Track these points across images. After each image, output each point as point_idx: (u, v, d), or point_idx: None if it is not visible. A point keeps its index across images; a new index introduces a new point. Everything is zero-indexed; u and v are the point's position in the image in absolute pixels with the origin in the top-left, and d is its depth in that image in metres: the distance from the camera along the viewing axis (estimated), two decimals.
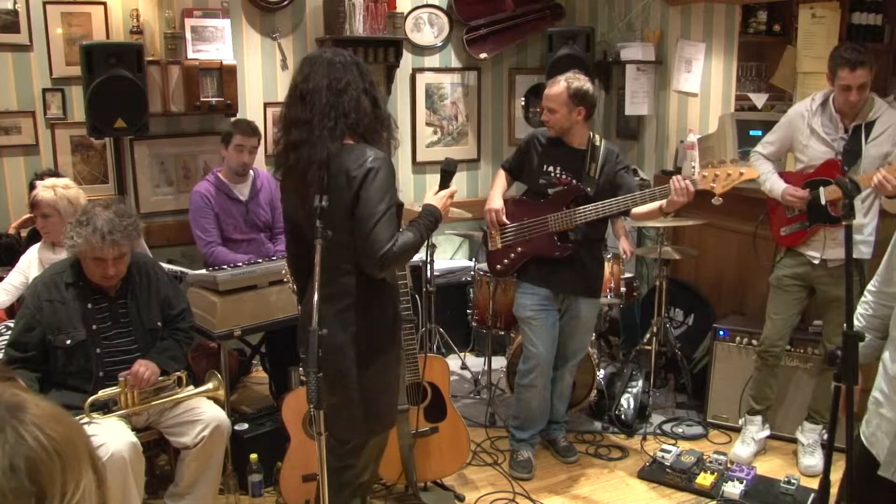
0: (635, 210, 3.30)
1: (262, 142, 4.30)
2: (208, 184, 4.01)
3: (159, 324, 3.02)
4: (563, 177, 3.40)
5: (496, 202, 3.48)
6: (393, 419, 2.54)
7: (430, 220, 2.35)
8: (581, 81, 3.32)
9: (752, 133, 4.27)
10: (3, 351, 3.02)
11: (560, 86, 3.30)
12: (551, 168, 3.42)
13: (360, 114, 2.25)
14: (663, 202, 3.17)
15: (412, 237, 2.24)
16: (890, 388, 1.94)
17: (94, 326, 2.85)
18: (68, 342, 2.79)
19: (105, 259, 2.77)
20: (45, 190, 3.21)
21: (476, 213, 4.48)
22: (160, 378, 2.91)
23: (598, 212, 3.30)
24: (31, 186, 3.48)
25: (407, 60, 4.91)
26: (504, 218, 3.45)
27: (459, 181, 5.26)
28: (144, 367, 2.83)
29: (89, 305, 2.86)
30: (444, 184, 2.47)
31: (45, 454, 0.92)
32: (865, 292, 2.14)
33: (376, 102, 2.31)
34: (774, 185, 3.46)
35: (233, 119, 4.10)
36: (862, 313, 2.14)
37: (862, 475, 1.96)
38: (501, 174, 3.60)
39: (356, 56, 2.36)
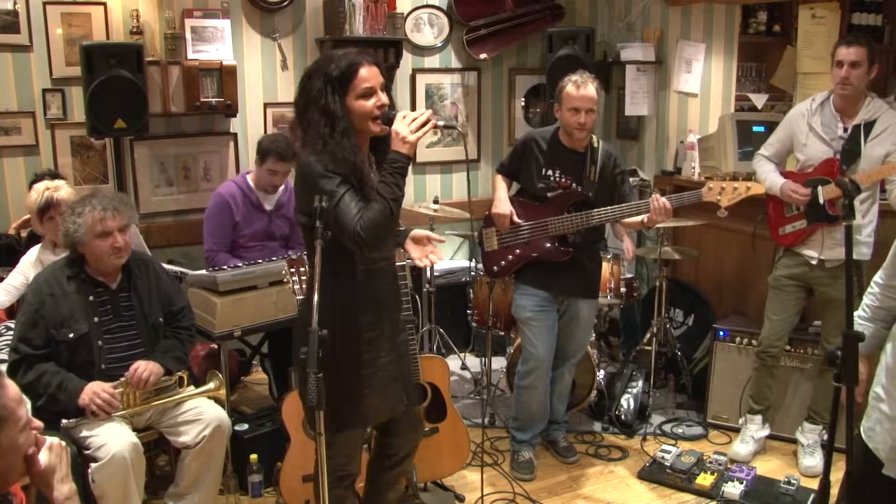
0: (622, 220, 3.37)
1: None
2: (235, 187, 3.90)
3: (161, 319, 3.02)
4: (563, 180, 3.40)
5: (506, 206, 3.43)
6: (340, 423, 2.35)
7: (393, 169, 2.21)
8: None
9: (754, 129, 4.27)
10: (2, 351, 3.03)
11: (592, 86, 3.28)
12: (550, 171, 3.41)
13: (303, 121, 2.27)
14: (645, 217, 3.23)
15: (376, 206, 2.18)
16: (890, 384, 1.95)
17: (96, 319, 2.85)
18: (71, 335, 2.79)
19: (111, 231, 2.80)
20: (60, 190, 3.29)
21: (476, 213, 4.47)
22: (162, 378, 2.92)
23: (597, 218, 3.32)
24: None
25: (407, 61, 4.91)
26: (516, 219, 3.41)
27: (459, 181, 5.26)
28: (143, 369, 2.83)
29: (91, 298, 2.86)
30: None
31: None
32: (872, 283, 2.19)
33: (307, 105, 2.26)
34: (774, 181, 3.46)
35: (271, 134, 3.95)
36: (868, 304, 2.19)
37: (863, 472, 1.97)
38: (500, 178, 3.57)
39: (331, 52, 2.30)
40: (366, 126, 2.25)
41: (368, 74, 2.22)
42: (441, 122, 2.30)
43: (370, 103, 2.23)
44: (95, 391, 2.72)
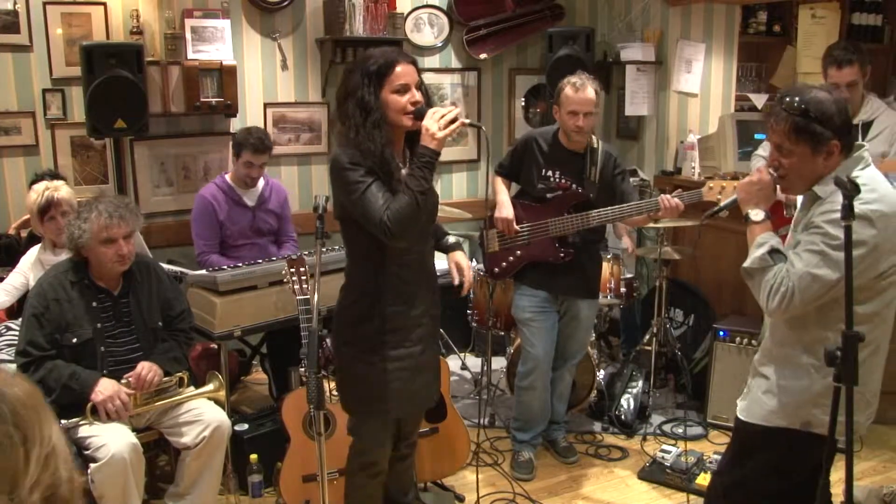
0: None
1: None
2: (216, 188, 3.94)
3: (160, 323, 3.03)
4: (563, 181, 3.40)
5: (509, 210, 3.41)
6: (364, 412, 2.53)
7: (421, 163, 2.28)
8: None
9: (757, 136, 4.26)
10: (2, 351, 3.03)
11: (591, 89, 3.27)
12: (550, 172, 3.41)
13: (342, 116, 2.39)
14: (651, 212, 3.23)
15: (404, 198, 2.26)
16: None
17: (99, 325, 2.86)
18: (74, 340, 2.80)
19: (116, 239, 2.80)
20: (60, 189, 3.30)
21: (476, 213, 4.48)
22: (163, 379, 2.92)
23: (598, 219, 3.31)
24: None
25: None
26: (517, 227, 3.41)
27: (459, 181, 5.27)
28: (147, 370, 2.84)
29: (94, 304, 2.86)
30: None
31: (22, 405, 1.12)
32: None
33: (346, 98, 2.36)
34: None
35: (245, 128, 3.96)
36: None
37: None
38: (499, 180, 3.56)
39: (371, 50, 2.40)
40: (399, 120, 2.34)
41: (404, 71, 2.33)
42: (468, 121, 2.40)
43: (404, 99, 2.32)
44: (111, 395, 2.73)
